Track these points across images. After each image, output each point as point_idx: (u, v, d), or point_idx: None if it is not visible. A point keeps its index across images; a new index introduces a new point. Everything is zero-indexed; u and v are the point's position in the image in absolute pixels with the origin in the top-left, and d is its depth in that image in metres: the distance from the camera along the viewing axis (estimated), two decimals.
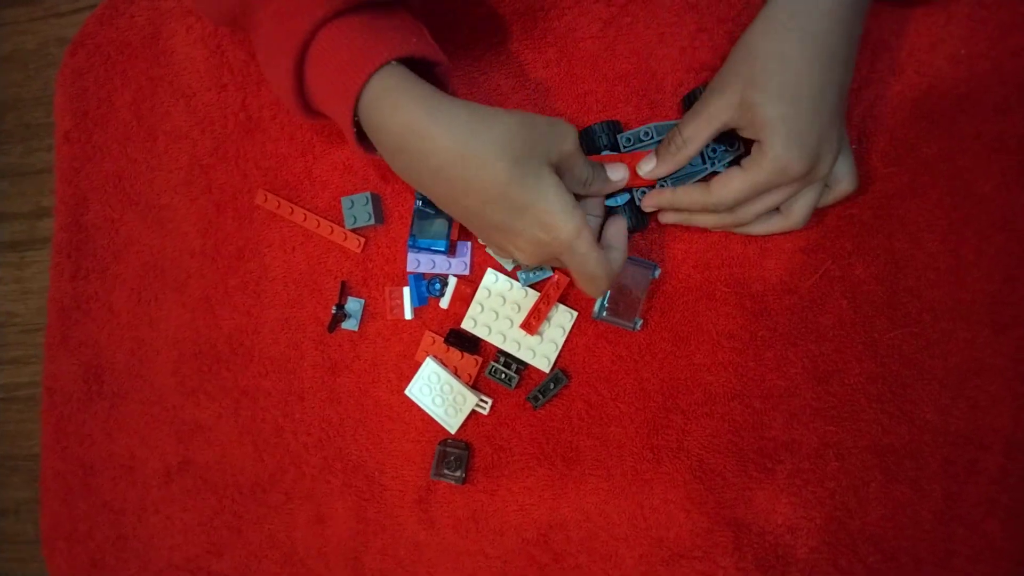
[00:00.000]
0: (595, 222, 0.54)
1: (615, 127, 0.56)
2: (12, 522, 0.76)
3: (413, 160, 0.47)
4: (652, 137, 0.54)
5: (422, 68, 0.49)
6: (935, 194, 0.55)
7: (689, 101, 0.56)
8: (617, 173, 0.53)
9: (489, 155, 0.44)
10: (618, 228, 0.53)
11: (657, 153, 0.52)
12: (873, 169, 0.56)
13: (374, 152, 0.51)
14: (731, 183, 0.49)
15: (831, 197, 0.53)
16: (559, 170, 0.48)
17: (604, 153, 0.55)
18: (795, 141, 0.46)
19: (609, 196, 0.55)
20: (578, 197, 0.51)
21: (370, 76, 0.45)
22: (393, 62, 0.46)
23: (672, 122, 0.54)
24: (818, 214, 0.54)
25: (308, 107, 0.51)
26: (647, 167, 0.53)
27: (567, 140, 0.47)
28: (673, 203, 0.53)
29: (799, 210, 0.51)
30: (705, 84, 0.55)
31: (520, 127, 0.45)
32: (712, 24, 0.58)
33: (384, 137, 0.47)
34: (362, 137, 0.50)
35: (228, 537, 0.68)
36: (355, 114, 0.47)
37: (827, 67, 0.46)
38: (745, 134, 0.49)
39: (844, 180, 0.52)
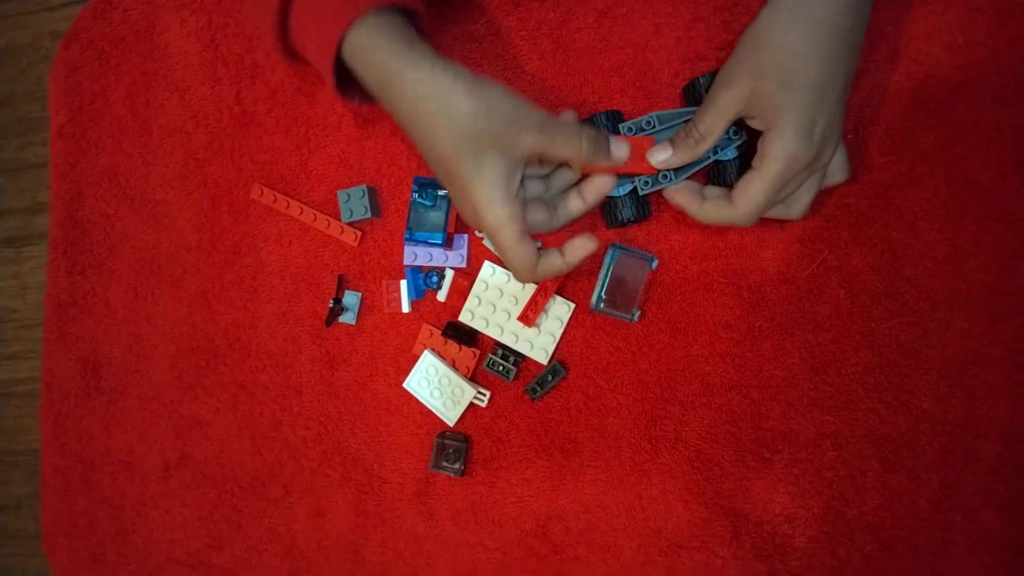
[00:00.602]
0: (580, 207, 0.52)
1: (617, 117, 0.56)
2: (13, 517, 0.76)
3: (388, 107, 0.49)
4: (654, 126, 0.53)
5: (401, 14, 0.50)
6: (932, 183, 0.55)
7: (690, 91, 0.56)
8: (620, 150, 0.51)
9: (435, 125, 0.46)
10: (579, 245, 0.51)
11: (673, 143, 0.51)
12: (870, 158, 0.56)
13: (351, 100, 0.52)
14: (750, 192, 0.49)
15: (825, 185, 0.52)
16: (534, 156, 0.48)
17: (624, 127, 0.54)
18: (804, 129, 0.46)
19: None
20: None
21: (352, 23, 0.46)
22: (374, 11, 0.47)
23: (673, 111, 0.53)
24: (815, 204, 0.54)
25: (286, 47, 0.52)
26: (661, 156, 0.51)
27: (523, 134, 0.46)
28: (699, 219, 0.53)
29: (802, 200, 0.51)
30: (706, 74, 0.55)
31: (470, 113, 0.46)
32: (708, 14, 0.58)
33: (364, 81, 0.49)
34: (345, 82, 0.51)
35: (228, 531, 0.68)
36: (336, 59, 0.48)
37: (834, 55, 0.46)
38: (755, 124, 0.49)
39: (838, 170, 0.52)
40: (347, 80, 0.51)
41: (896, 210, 0.56)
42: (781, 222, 0.57)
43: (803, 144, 0.46)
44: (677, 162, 0.51)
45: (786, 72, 0.46)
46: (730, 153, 0.53)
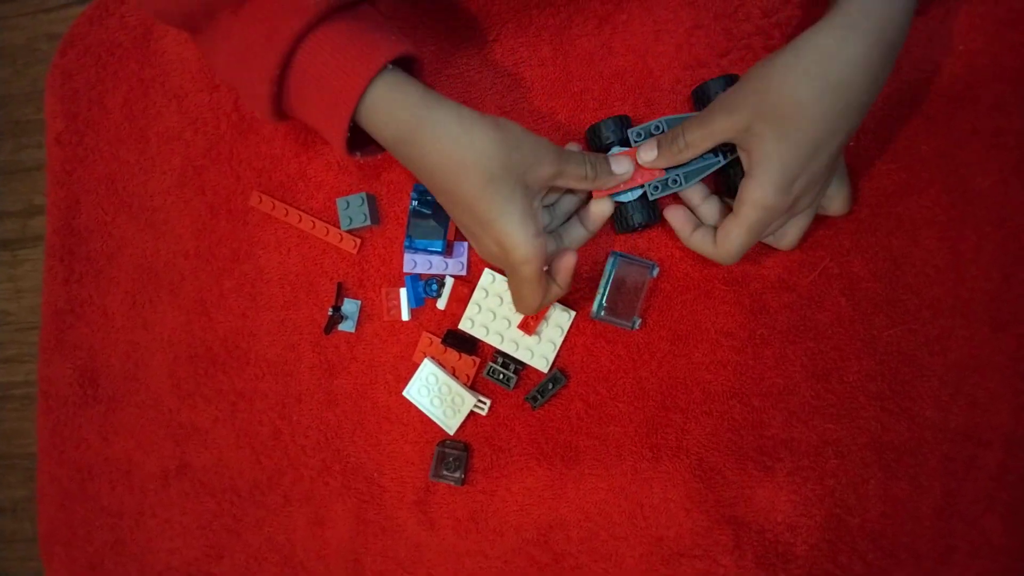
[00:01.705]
0: (583, 235, 0.55)
1: (624, 122, 0.56)
2: (10, 520, 0.76)
3: (407, 159, 0.49)
4: (662, 131, 0.53)
5: (401, 66, 0.50)
6: (933, 191, 0.55)
7: (699, 94, 0.56)
8: (621, 166, 0.52)
9: (466, 168, 0.46)
10: (565, 265, 0.52)
11: (659, 144, 0.52)
12: (871, 166, 0.56)
13: (354, 155, 0.51)
14: (730, 237, 0.49)
15: (822, 213, 0.53)
16: (550, 184, 0.50)
17: (615, 150, 0.55)
18: (784, 183, 0.46)
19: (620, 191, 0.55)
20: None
21: (369, 82, 0.46)
22: (388, 66, 0.47)
23: (682, 116, 0.53)
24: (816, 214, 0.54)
25: (278, 112, 0.51)
26: (647, 156, 0.52)
27: (543, 165, 0.48)
28: (688, 246, 0.54)
29: (790, 236, 0.52)
30: (717, 77, 0.54)
31: (500, 146, 0.46)
32: (709, 20, 0.57)
33: (382, 138, 0.49)
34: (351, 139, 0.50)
35: (227, 540, 0.67)
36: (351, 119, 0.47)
37: (841, 115, 0.45)
38: (741, 156, 0.49)
39: (840, 204, 0.52)
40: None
41: (897, 218, 0.56)
42: None
43: (780, 197, 0.47)
44: (661, 164, 0.52)
45: (786, 123, 0.45)
46: (728, 156, 0.53)
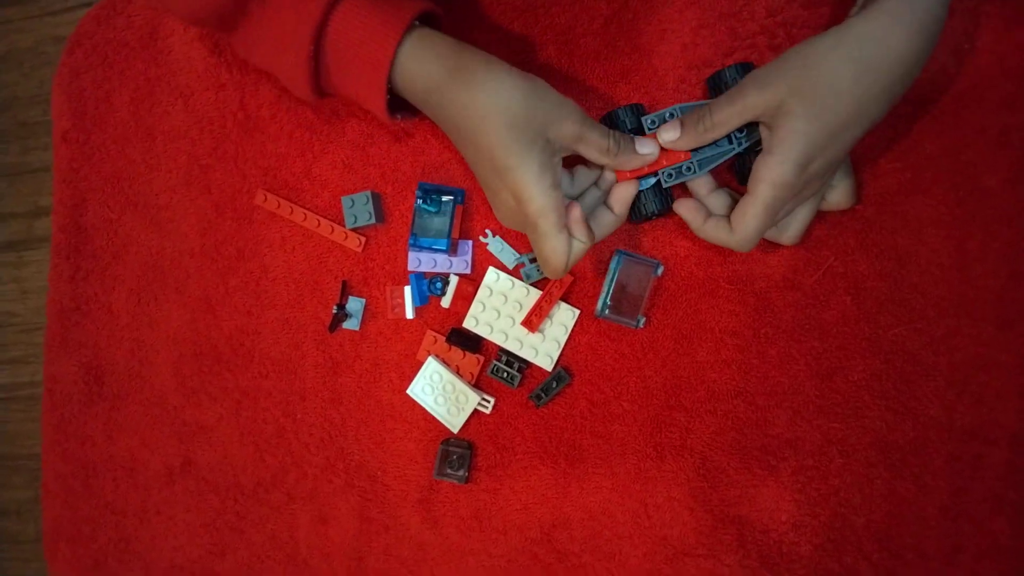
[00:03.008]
0: (612, 219, 0.54)
1: (639, 110, 0.56)
2: (14, 521, 0.76)
3: (434, 110, 0.50)
4: (677, 118, 0.53)
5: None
6: (939, 190, 0.55)
7: (714, 82, 0.56)
8: (646, 147, 0.52)
9: (489, 114, 0.47)
10: (573, 216, 0.51)
11: (683, 124, 0.52)
12: (876, 165, 0.56)
13: (395, 118, 0.53)
14: (747, 218, 0.49)
15: (827, 207, 0.53)
16: (571, 146, 0.50)
17: None
18: (803, 162, 0.46)
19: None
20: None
21: (399, 42, 0.48)
22: (415, 23, 0.49)
23: (696, 103, 0.53)
24: (820, 211, 0.54)
25: (318, 89, 0.52)
26: (670, 136, 0.52)
27: (567, 122, 0.49)
28: (700, 236, 0.54)
29: (795, 226, 0.52)
30: (731, 65, 0.54)
31: (526, 95, 0.47)
32: (714, 20, 0.58)
33: (412, 93, 0.51)
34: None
35: (231, 538, 0.67)
36: (389, 80, 0.49)
37: (873, 102, 0.45)
38: (763, 133, 0.49)
39: (845, 197, 0.52)
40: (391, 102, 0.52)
41: (903, 216, 0.56)
42: None
43: (797, 175, 0.47)
44: (683, 145, 0.52)
45: (819, 102, 0.45)
46: (743, 143, 0.52)
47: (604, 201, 0.54)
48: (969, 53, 0.54)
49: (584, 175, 0.54)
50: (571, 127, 0.49)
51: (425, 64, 0.49)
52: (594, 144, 0.50)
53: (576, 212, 0.51)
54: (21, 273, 0.75)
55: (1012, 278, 0.54)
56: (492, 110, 0.47)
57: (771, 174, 0.47)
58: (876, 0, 0.45)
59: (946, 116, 0.55)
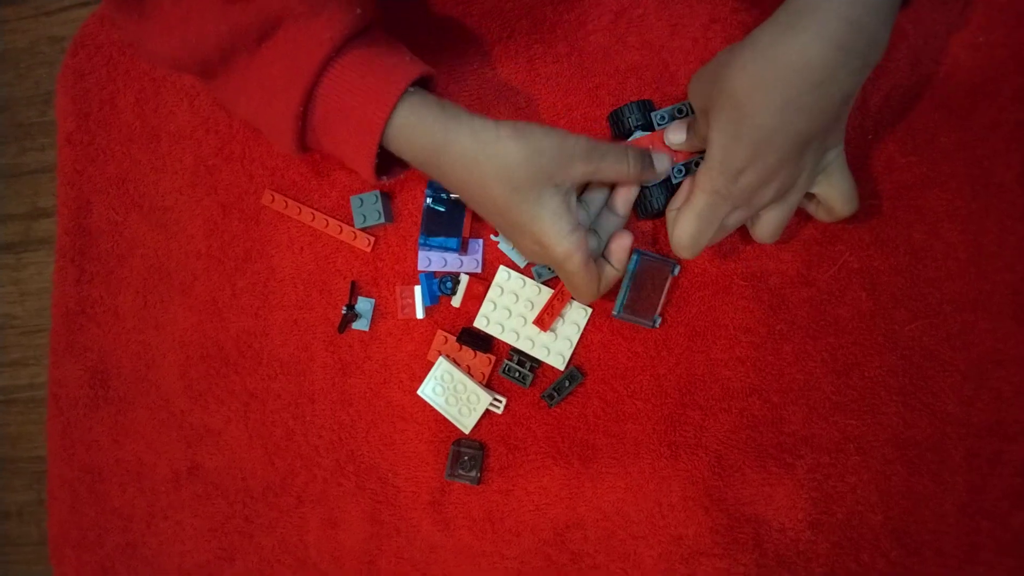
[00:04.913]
0: (617, 222, 0.53)
1: (648, 106, 0.55)
2: (15, 524, 0.75)
3: (436, 174, 0.50)
4: (686, 114, 0.53)
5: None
6: (954, 184, 0.55)
7: None
8: (663, 163, 0.52)
9: (489, 183, 0.47)
10: (620, 245, 0.52)
11: (689, 129, 0.52)
12: (891, 159, 0.56)
13: (380, 179, 0.52)
14: (679, 221, 0.49)
15: (830, 218, 0.52)
16: (585, 181, 0.50)
17: (636, 135, 0.55)
18: (727, 170, 0.46)
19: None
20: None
21: (391, 110, 0.46)
22: (412, 89, 0.48)
23: None
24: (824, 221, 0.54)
25: (302, 146, 0.51)
26: (676, 138, 0.53)
27: (573, 166, 0.48)
28: (667, 219, 0.53)
29: (764, 227, 0.51)
30: None
31: (521, 156, 0.46)
32: (725, 14, 0.57)
33: (409, 159, 0.50)
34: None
35: (239, 542, 0.67)
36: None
37: (778, 114, 0.42)
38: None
39: (844, 204, 0.50)
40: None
41: (918, 211, 0.55)
42: (800, 221, 0.56)
43: (725, 184, 0.46)
44: (688, 147, 0.53)
45: (725, 117, 0.44)
46: None
47: (607, 205, 0.54)
48: (984, 47, 0.54)
49: (596, 200, 0.53)
50: (579, 168, 0.48)
51: (415, 137, 0.48)
52: (611, 172, 0.50)
53: (624, 243, 0.52)
54: (20, 275, 0.74)
55: None
56: (489, 179, 0.47)
57: (700, 180, 0.47)
58: (787, 3, 0.42)
59: (960, 110, 0.55)
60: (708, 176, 0.47)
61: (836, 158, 0.49)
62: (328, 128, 0.49)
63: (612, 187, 0.53)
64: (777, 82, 0.42)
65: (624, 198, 0.53)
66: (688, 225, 0.49)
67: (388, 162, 0.52)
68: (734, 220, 0.49)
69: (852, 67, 0.41)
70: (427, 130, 0.47)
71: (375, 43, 0.49)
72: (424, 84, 0.51)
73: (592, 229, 0.52)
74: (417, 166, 0.50)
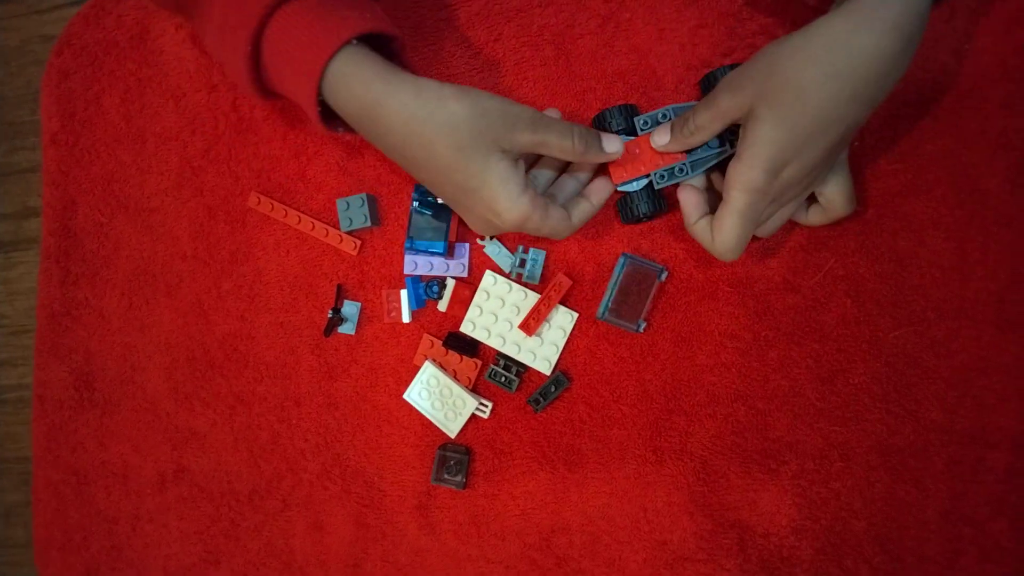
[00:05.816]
0: (575, 185, 0.54)
1: (631, 110, 0.55)
2: (2, 526, 0.75)
3: (372, 136, 0.49)
4: (669, 119, 0.53)
5: (378, 43, 0.49)
6: (939, 191, 0.55)
7: (706, 83, 0.55)
8: (612, 145, 0.52)
9: (433, 139, 0.46)
10: (600, 183, 0.53)
11: (672, 129, 0.52)
12: (876, 166, 0.56)
13: (336, 131, 0.51)
14: (724, 227, 0.49)
15: (826, 219, 0.53)
16: (531, 151, 0.49)
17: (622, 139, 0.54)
18: (773, 168, 0.45)
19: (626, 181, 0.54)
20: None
21: (331, 57, 0.46)
22: (352, 41, 0.47)
23: (689, 103, 0.52)
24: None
25: (264, 88, 0.51)
26: (661, 140, 0.52)
27: (519, 134, 0.47)
28: (691, 232, 0.53)
29: (772, 222, 0.51)
30: (723, 66, 0.54)
31: (467, 117, 0.46)
32: (712, 20, 0.57)
33: (345, 115, 0.49)
34: (326, 115, 0.50)
35: (225, 545, 0.67)
36: (319, 93, 0.48)
37: (845, 105, 0.43)
38: (741, 134, 0.48)
39: (843, 204, 0.51)
40: (331, 112, 0.50)
41: (903, 218, 0.55)
42: (785, 228, 0.56)
43: (768, 180, 0.46)
44: (672, 148, 0.52)
45: (785, 107, 0.44)
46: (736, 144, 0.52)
47: (584, 189, 0.54)
48: (970, 54, 0.54)
49: (543, 175, 0.54)
50: (525, 135, 0.47)
51: (352, 87, 0.47)
52: (555, 147, 0.49)
53: (606, 183, 0.53)
54: (9, 275, 0.74)
55: (1012, 280, 0.54)
56: (432, 138, 0.46)
57: (741, 179, 0.46)
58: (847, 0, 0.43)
59: (947, 117, 0.55)
60: (748, 174, 0.46)
61: (843, 156, 0.50)
62: (278, 72, 0.49)
63: (564, 168, 0.54)
64: (851, 72, 0.42)
65: (597, 189, 0.54)
66: (734, 227, 0.48)
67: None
68: (765, 216, 0.49)
69: (908, 57, 0.43)
70: (365, 82, 0.46)
71: None
72: (391, 52, 0.50)
73: (564, 206, 0.52)
74: (355, 124, 0.49)
